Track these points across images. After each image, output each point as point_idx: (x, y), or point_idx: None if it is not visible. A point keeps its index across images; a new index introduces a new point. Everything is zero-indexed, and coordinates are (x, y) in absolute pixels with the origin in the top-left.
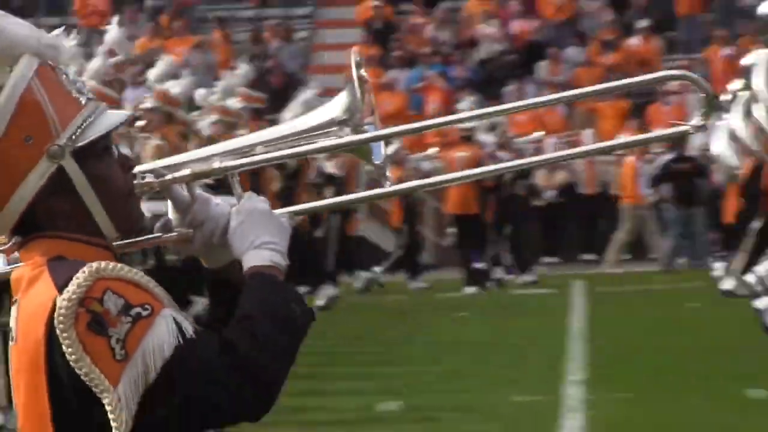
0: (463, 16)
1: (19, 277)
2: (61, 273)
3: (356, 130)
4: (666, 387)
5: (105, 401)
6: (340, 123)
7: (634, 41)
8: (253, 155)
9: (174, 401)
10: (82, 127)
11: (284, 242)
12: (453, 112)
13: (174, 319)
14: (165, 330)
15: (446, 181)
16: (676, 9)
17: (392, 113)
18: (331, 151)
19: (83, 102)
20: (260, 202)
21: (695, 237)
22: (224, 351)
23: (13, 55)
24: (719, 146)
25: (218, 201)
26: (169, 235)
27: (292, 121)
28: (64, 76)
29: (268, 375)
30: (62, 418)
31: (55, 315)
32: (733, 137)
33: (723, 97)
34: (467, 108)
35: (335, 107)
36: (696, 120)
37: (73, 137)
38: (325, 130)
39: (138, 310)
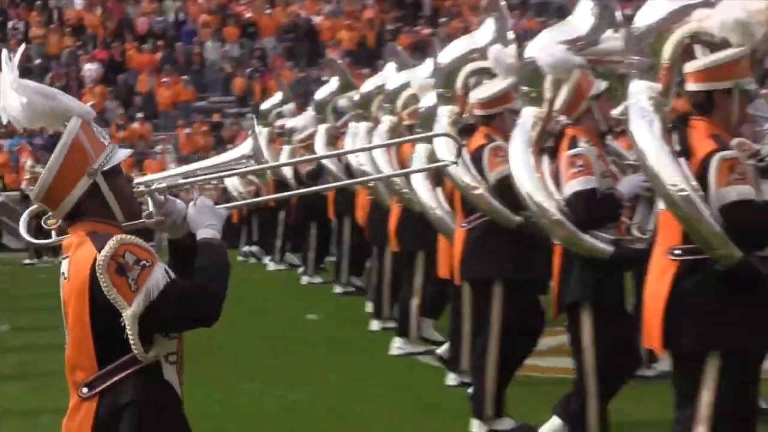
0: None
1: (69, 243)
2: (97, 241)
3: (258, 161)
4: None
5: (124, 315)
6: (249, 157)
7: (135, 125)
8: (201, 175)
9: (165, 315)
10: (107, 158)
11: (220, 225)
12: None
13: (164, 268)
14: (160, 274)
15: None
16: (158, 108)
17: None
18: (247, 173)
19: (106, 143)
20: (209, 201)
21: None
22: (193, 285)
23: (67, 116)
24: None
25: (178, 201)
26: (151, 220)
27: (223, 154)
28: (95, 127)
29: (216, 298)
30: (97, 327)
31: (96, 265)
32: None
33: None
34: None
35: (245, 148)
36: (452, 158)
37: (102, 164)
38: (241, 161)
39: (144, 262)
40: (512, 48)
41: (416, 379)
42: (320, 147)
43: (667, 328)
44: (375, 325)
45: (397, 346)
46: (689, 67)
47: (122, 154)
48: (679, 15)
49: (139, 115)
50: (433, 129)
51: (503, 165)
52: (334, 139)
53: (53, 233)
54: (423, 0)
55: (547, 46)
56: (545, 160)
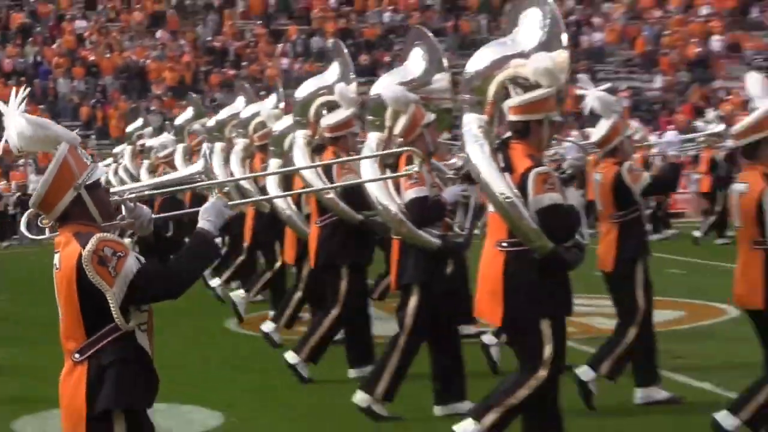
0: None
1: (59, 240)
2: (82, 239)
3: (209, 177)
4: None
5: (108, 296)
6: (201, 173)
7: (2, 143)
8: (162, 188)
9: (138, 292)
10: (89, 175)
11: (218, 220)
12: None
13: (135, 256)
14: (132, 261)
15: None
16: None
17: None
18: (204, 187)
19: (88, 163)
20: (219, 201)
21: None
22: (159, 268)
23: (58, 141)
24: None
25: (145, 207)
26: (123, 222)
27: (180, 171)
28: (80, 150)
29: (181, 278)
30: (85, 306)
31: (82, 258)
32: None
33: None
34: None
35: (198, 166)
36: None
37: (85, 179)
38: (195, 176)
39: (119, 253)
40: (353, 85)
41: (228, 342)
42: (179, 162)
43: (503, 303)
44: (215, 281)
45: (242, 295)
46: (510, 102)
47: (100, 171)
48: (500, 63)
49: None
50: (284, 148)
51: (348, 175)
52: (190, 155)
53: (47, 230)
54: (228, 48)
55: (389, 85)
56: (387, 173)
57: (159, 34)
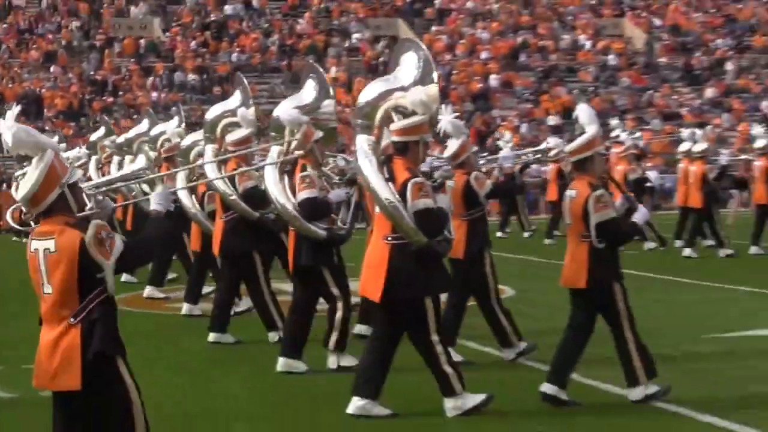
0: None
1: (48, 230)
2: (79, 226)
3: (152, 171)
4: None
5: (105, 268)
6: (146, 169)
7: None
8: (119, 182)
9: (124, 262)
10: (69, 176)
11: (166, 203)
12: None
13: (121, 237)
14: (119, 241)
15: None
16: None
17: None
18: (146, 180)
19: (69, 166)
20: (166, 189)
21: None
22: (134, 246)
23: (44, 148)
24: None
25: (108, 200)
26: (92, 212)
27: (128, 167)
28: (62, 155)
29: (152, 249)
30: (82, 278)
31: (86, 241)
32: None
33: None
34: None
35: (140, 163)
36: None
37: (67, 180)
38: (142, 171)
39: (111, 235)
40: (252, 110)
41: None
42: (93, 171)
43: (387, 287)
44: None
45: (148, 291)
46: (393, 126)
47: (78, 173)
48: (385, 95)
49: None
50: (191, 159)
51: (248, 181)
52: (102, 166)
53: (32, 222)
54: (108, 80)
55: (286, 109)
56: (285, 178)
57: (52, 68)
